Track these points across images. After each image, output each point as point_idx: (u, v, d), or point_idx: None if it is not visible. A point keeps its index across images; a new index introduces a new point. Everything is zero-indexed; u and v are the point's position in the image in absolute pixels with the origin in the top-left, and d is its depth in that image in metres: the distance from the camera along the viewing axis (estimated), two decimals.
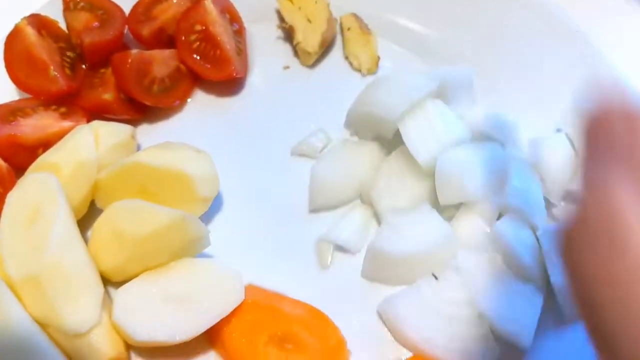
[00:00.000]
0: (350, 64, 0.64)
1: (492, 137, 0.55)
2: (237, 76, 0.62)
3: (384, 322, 0.51)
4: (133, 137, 0.58)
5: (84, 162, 0.53)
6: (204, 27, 0.62)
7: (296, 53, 0.64)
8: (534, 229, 0.50)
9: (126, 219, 0.50)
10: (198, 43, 0.62)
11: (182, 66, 0.62)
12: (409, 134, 0.53)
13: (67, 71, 0.60)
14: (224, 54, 0.61)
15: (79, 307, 0.48)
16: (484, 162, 0.52)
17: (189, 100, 0.63)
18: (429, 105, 0.54)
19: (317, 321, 0.49)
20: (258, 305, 0.50)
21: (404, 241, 0.51)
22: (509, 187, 0.51)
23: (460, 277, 0.50)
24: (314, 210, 0.56)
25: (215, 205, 0.57)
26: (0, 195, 0.53)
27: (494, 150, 0.53)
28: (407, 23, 0.64)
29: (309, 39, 0.62)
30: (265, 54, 0.65)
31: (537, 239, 0.50)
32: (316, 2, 0.63)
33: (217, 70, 0.61)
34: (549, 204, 0.53)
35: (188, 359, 0.51)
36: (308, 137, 0.59)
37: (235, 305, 0.49)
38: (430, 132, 0.53)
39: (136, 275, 0.51)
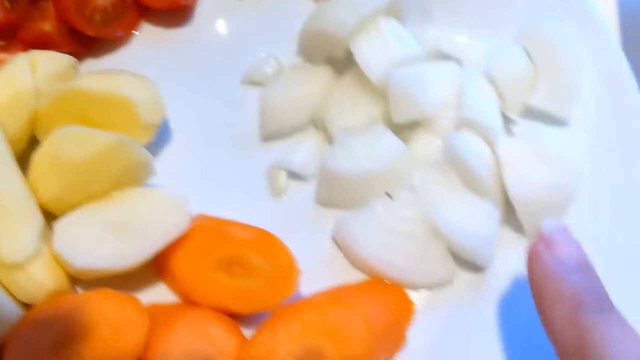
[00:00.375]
0: None
1: (447, 56, 0.53)
2: (184, 3, 0.59)
3: (339, 247, 0.49)
4: (74, 67, 0.55)
5: (19, 91, 0.51)
6: None
7: None
8: (490, 143, 0.48)
9: (64, 146, 0.48)
10: None
11: None
12: (361, 53, 0.51)
13: (6, 3, 0.57)
14: None
15: (15, 237, 0.46)
16: (439, 79, 0.50)
17: (135, 32, 0.60)
18: (381, 23, 0.52)
19: (266, 243, 0.47)
20: (204, 230, 0.48)
21: (356, 161, 0.49)
22: (463, 101, 0.48)
23: (415, 195, 0.48)
24: (266, 138, 0.54)
25: (163, 137, 0.55)
26: None
27: (449, 67, 0.51)
28: None
29: None
30: None
31: (494, 153, 0.48)
32: None
33: None
34: (507, 120, 0.51)
35: (136, 292, 0.49)
36: (259, 64, 0.56)
37: (180, 232, 0.47)
38: (384, 50, 0.51)
39: (78, 207, 0.48)
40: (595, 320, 0.32)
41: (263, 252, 0.46)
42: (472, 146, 0.47)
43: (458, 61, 0.52)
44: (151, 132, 0.52)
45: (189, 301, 0.47)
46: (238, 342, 0.44)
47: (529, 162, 0.47)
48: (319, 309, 0.44)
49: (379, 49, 0.51)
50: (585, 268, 0.35)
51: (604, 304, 0.34)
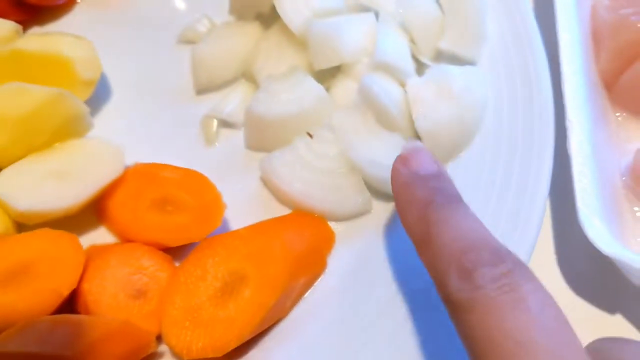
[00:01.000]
0: None
1: (366, 7, 0.56)
2: None
3: (265, 185, 0.53)
4: (18, 32, 0.58)
5: None
6: None
7: None
8: (401, 84, 0.52)
9: (5, 101, 0.51)
10: None
11: None
12: (283, 6, 0.54)
13: None
14: None
15: None
16: (356, 28, 0.54)
17: (78, 0, 0.64)
18: None
19: (194, 182, 0.50)
20: (139, 174, 0.51)
21: (279, 105, 0.52)
22: (377, 47, 0.52)
23: (334, 133, 0.51)
24: (200, 91, 0.58)
25: (101, 94, 0.58)
26: None
27: (366, 17, 0.55)
28: None
29: None
30: None
31: (405, 92, 0.51)
32: None
33: None
34: (420, 64, 0.55)
35: (79, 236, 0.52)
36: (192, 23, 0.60)
37: (115, 176, 0.50)
38: (304, 2, 0.54)
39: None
40: (440, 212, 0.36)
41: (191, 190, 0.50)
42: (383, 87, 0.51)
43: (376, 12, 0.56)
44: (90, 89, 0.56)
45: (126, 240, 0.50)
46: (170, 272, 0.48)
47: (435, 99, 0.50)
48: (241, 238, 0.48)
49: (299, 2, 0.54)
50: (437, 176, 0.39)
51: (452, 199, 0.37)
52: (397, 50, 0.53)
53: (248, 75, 0.57)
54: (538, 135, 0.50)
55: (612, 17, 0.55)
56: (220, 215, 0.49)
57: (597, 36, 0.56)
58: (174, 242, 0.49)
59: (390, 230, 0.51)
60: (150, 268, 0.48)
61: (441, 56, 0.55)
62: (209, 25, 0.60)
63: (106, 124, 0.56)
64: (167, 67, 0.59)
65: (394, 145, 0.50)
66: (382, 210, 0.52)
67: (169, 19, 0.62)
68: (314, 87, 0.52)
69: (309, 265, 0.49)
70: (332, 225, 0.51)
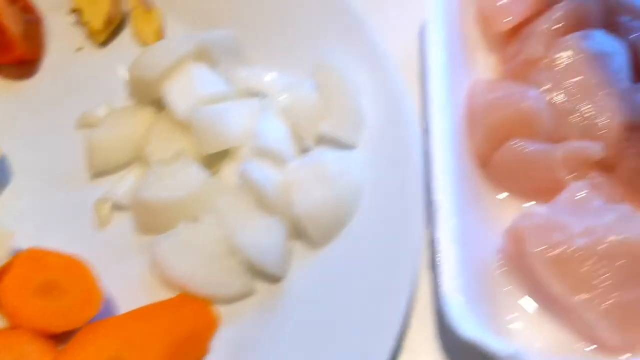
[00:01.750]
0: (138, 40, 0.67)
1: (253, 93, 0.59)
2: (25, 58, 0.65)
3: (152, 269, 0.55)
4: None
5: None
6: None
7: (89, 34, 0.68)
8: (281, 168, 0.54)
9: None
10: None
11: None
12: (169, 93, 0.57)
13: None
14: (8, 37, 0.64)
15: None
16: (241, 113, 0.57)
17: None
18: (190, 67, 0.58)
19: (75, 268, 0.52)
20: (26, 259, 0.53)
21: (165, 189, 0.54)
22: (258, 132, 0.55)
23: (218, 217, 0.53)
24: (95, 174, 0.60)
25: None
26: None
27: (252, 102, 0.58)
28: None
29: (95, 18, 0.66)
30: (61, 38, 0.68)
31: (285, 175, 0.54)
32: None
33: (3, 52, 0.64)
34: (302, 145, 0.57)
35: None
36: (92, 108, 0.62)
37: (3, 261, 0.52)
38: (190, 90, 0.57)
39: None
40: None
41: (72, 277, 0.51)
42: (263, 172, 0.53)
43: (262, 96, 0.58)
44: None
45: (14, 325, 0.51)
46: (51, 358, 0.49)
47: (312, 183, 0.53)
48: (121, 323, 0.49)
49: (186, 88, 0.57)
50: None
51: None
52: (278, 135, 0.55)
53: (142, 159, 0.59)
54: (411, 216, 0.52)
55: (486, 99, 0.58)
56: (98, 301, 0.50)
57: (473, 117, 0.59)
58: (55, 328, 0.50)
59: (273, 310, 0.53)
60: (32, 354, 0.49)
61: (323, 140, 0.57)
62: (107, 110, 0.62)
63: (1, 208, 0.57)
64: (64, 152, 0.61)
65: (271, 228, 0.52)
66: (265, 291, 0.53)
67: (72, 103, 0.63)
68: (199, 173, 0.55)
69: (189, 350, 0.50)
70: (217, 307, 0.53)
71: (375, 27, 0.60)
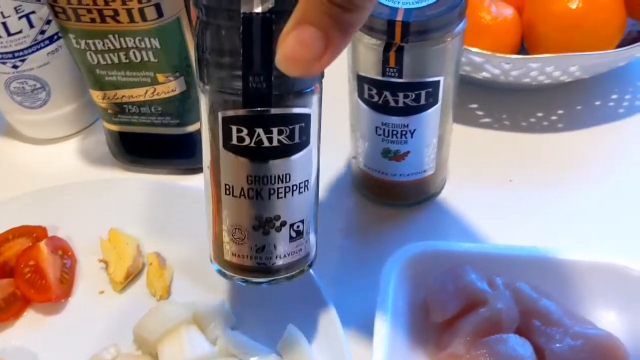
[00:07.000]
0: (150, 290, 0.83)
1: (233, 354, 0.73)
2: (57, 300, 0.81)
3: None
4: None
5: None
6: (35, 262, 0.82)
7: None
8: None
9: None
10: (30, 274, 0.81)
11: (17, 291, 0.82)
12: (162, 353, 0.71)
13: None
14: (47, 283, 0.80)
15: None
16: None
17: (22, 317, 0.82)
18: (182, 331, 0.73)
19: None
20: None
21: None
22: None
23: None
24: None
25: None
26: None
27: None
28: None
29: (118, 272, 0.82)
30: (89, 281, 0.85)
31: None
32: (127, 244, 0.84)
33: (40, 295, 0.80)
34: None
35: None
36: (99, 352, 0.77)
37: None
38: (180, 352, 0.71)
39: None
40: None
41: None
42: None
43: (240, 356, 0.73)
44: None
45: None
46: None
47: None
48: None
49: (177, 351, 0.71)
50: None
51: None
52: None
53: None
54: None
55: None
56: None
57: None
58: None
59: None
60: None
61: None
62: (114, 353, 0.77)
63: None
64: None
65: None
66: None
67: (82, 345, 0.78)
68: None
69: None
70: None
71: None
